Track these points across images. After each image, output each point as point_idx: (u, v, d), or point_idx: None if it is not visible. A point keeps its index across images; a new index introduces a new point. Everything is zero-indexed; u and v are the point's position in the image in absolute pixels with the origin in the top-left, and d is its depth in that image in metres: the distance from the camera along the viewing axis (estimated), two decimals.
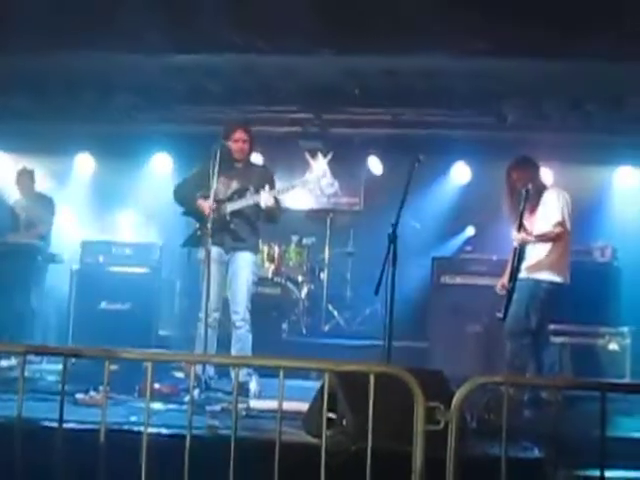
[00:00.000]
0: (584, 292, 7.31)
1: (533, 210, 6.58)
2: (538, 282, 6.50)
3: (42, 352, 4.42)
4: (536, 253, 6.55)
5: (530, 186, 6.53)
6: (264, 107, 8.96)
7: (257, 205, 6.50)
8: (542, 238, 6.52)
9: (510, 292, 6.52)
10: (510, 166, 6.71)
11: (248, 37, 7.12)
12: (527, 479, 4.04)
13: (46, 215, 8.57)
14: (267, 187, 6.46)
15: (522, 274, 6.55)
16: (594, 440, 3.58)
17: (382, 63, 7.83)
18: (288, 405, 4.40)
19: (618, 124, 8.09)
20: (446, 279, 8.32)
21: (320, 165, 9.96)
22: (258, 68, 8.11)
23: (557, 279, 6.52)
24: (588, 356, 7.69)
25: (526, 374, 6.39)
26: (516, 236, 6.53)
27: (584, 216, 7.65)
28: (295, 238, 9.30)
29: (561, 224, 6.49)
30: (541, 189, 6.64)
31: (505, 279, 6.66)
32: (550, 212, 6.52)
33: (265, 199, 6.42)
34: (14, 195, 8.90)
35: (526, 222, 6.54)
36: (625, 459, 4.37)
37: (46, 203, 8.63)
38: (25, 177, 8.75)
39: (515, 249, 6.56)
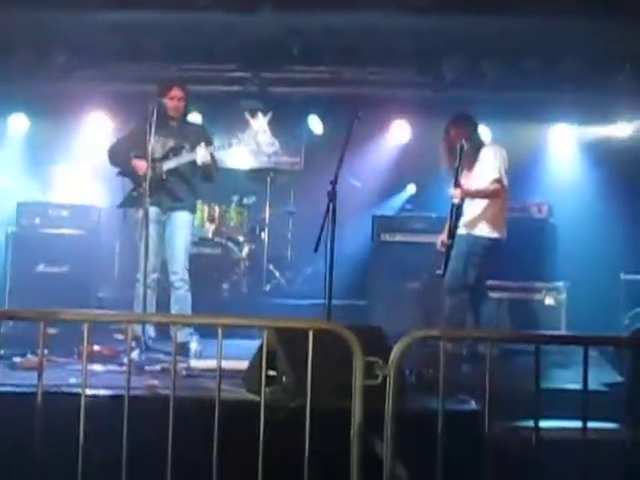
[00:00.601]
0: (521, 248, 7.44)
1: (470, 167, 6.64)
2: (476, 238, 6.59)
3: None
4: (473, 209, 6.62)
5: (465, 142, 6.58)
6: (203, 65, 8.80)
7: (193, 163, 6.43)
8: (479, 194, 6.59)
9: (449, 248, 6.60)
10: (448, 123, 6.75)
11: None
12: (463, 431, 4.11)
13: None
14: (203, 144, 6.40)
15: (460, 230, 6.63)
16: (530, 392, 3.65)
17: (322, 20, 7.74)
18: (229, 364, 4.43)
19: (554, 82, 8.15)
20: (386, 237, 8.39)
21: (260, 125, 9.86)
22: (197, 25, 7.94)
23: (494, 235, 6.61)
24: (525, 311, 7.87)
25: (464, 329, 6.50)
26: (453, 192, 6.59)
27: (521, 173, 7.74)
28: (235, 198, 9.24)
29: (498, 181, 6.56)
30: (478, 146, 6.69)
31: (444, 236, 6.73)
32: (487, 169, 6.58)
33: (201, 156, 6.36)
34: None
35: (464, 179, 6.60)
36: (560, 410, 4.48)
37: None
38: None
39: (453, 205, 6.62)
